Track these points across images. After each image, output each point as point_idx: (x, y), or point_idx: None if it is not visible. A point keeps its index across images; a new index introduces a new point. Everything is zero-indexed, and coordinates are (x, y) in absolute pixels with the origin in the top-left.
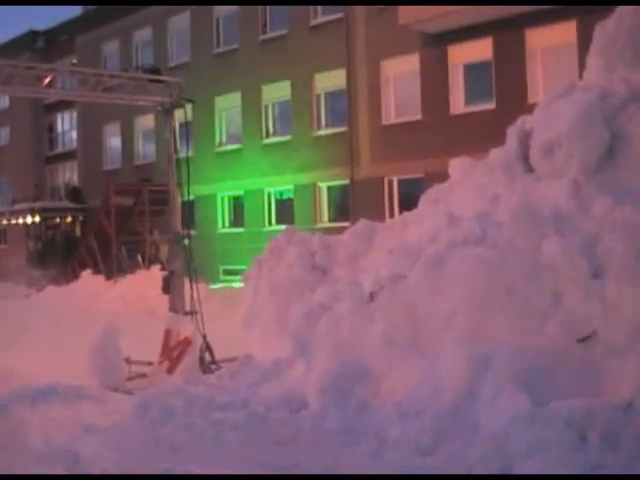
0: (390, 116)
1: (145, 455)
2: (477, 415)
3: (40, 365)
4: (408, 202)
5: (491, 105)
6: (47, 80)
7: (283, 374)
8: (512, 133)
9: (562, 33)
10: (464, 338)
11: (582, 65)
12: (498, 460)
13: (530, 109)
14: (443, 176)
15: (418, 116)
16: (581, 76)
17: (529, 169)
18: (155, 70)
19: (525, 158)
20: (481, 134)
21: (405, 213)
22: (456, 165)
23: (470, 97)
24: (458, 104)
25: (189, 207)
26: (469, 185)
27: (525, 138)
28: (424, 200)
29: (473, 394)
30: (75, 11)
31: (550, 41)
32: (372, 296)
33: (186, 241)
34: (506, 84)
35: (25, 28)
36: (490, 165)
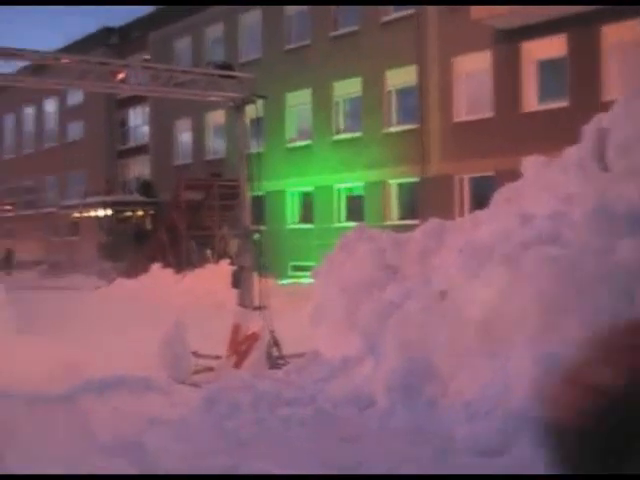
0: (461, 113)
1: (211, 449)
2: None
3: (108, 357)
4: (478, 200)
5: (564, 103)
6: (120, 76)
7: (351, 371)
8: (587, 132)
9: (639, 30)
10: (535, 338)
11: None
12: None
13: (604, 107)
14: (514, 175)
15: (490, 114)
16: None
17: (604, 168)
18: (227, 66)
19: (600, 157)
20: (554, 132)
21: (476, 212)
22: (529, 164)
23: (543, 94)
24: (531, 101)
25: (259, 203)
26: (542, 184)
27: (601, 137)
28: (496, 199)
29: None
30: (148, 9)
31: (626, 38)
32: (442, 295)
33: (256, 236)
34: (580, 81)
35: (99, 25)
36: (564, 164)
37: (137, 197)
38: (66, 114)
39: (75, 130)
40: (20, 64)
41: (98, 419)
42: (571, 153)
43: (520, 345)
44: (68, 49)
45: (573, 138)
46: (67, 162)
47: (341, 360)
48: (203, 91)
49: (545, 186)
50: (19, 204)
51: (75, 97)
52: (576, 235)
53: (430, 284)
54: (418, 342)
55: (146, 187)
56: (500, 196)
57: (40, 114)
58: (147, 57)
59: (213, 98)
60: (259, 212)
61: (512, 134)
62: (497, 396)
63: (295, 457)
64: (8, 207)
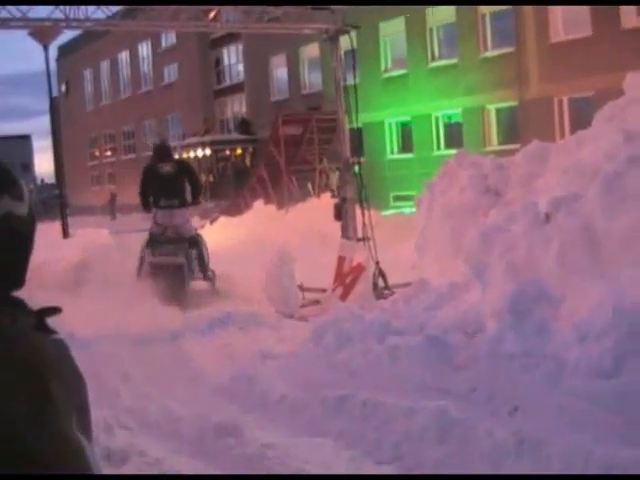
0: (558, 33)
1: (322, 381)
2: None
3: (215, 294)
4: (579, 122)
5: None
6: (212, 14)
7: (459, 298)
8: None
9: None
10: None
11: None
12: None
13: None
14: (615, 94)
15: (588, 32)
16: None
17: None
18: None
19: None
20: None
21: (579, 132)
22: (632, 80)
23: None
24: (630, 17)
25: (358, 134)
26: None
27: None
28: (599, 118)
29: None
30: None
31: None
32: (548, 217)
33: (356, 168)
34: None
35: None
36: None
37: (235, 135)
38: (160, 57)
39: (170, 72)
40: (112, 9)
41: (207, 355)
42: None
43: (630, 265)
44: None
45: None
46: (164, 105)
47: (448, 287)
48: (296, 24)
49: None
50: (120, 149)
51: (168, 39)
52: None
53: (535, 207)
54: (525, 266)
55: (244, 125)
56: (603, 115)
57: (134, 58)
58: None
59: (307, 31)
60: (358, 144)
61: (611, 52)
62: (608, 318)
63: (406, 385)
64: (109, 153)
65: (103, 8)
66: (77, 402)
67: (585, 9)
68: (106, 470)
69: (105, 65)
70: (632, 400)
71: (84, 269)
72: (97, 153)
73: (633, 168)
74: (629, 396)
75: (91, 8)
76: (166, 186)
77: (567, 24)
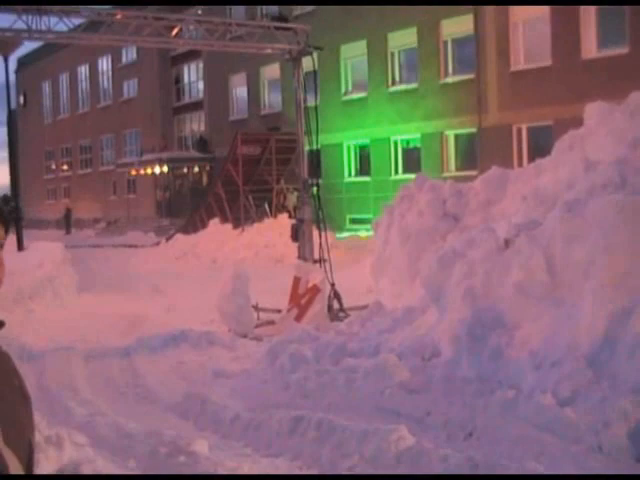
0: (519, 62)
1: (276, 401)
2: (617, 366)
3: (170, 311)
4: (537, 150)
5: (625, 49)
6: (175, 31)
7: (415, 321)
8: None
9: None
10: (603, 287)
11: None
12: (636, 415)
13: None
14: (573, 123)
15: (548, 62)
16: None
17: None
18: (282, 18)
19: None
20: (614, 80)
21: (538, 160)
22: (592, 110)
23: (602, 41)
24: (590, 48)
25: (315, 156)
26: (606, 130)
27: None
28: (558, 146)
29: (612, 345)
30: None
31: None
32: (507, 243)
33: (314, 190)
34: None
35: None
36: (629, 109)
37: (193, 153)
38: (120, 72)
39: (130, 88)
40: (74, 21)
41: (160, 373)
42: (636, 98)
43: (588, 293)
44: (122, 5)
45: (634, 85)
46: (122, 120)
47: (404, 310)
48: (259, 44)
49: (609, 132)
50: (76, 163)
51: (129, 55)
52: None
53: (493, 233)
54: (483, 291)
55: (202, 143)
56: (563, 143)
57: (94, 73)
58: (199, 12)
59: (269, 50)
60: (316, 166)
61: (571, 82)
62: (564, 345)
63: (360, 408)
64: (65, 167)
65: (66, 20)
66: (5, 414)
67: (546, 38)
68: None
69: (64, 78)
70: (587, 427)
71: (39, 282)
72: (53, 167)
73: (592, 197)
74: (584, 423)
75: (54, 20)
76: None
77: (528, 53)
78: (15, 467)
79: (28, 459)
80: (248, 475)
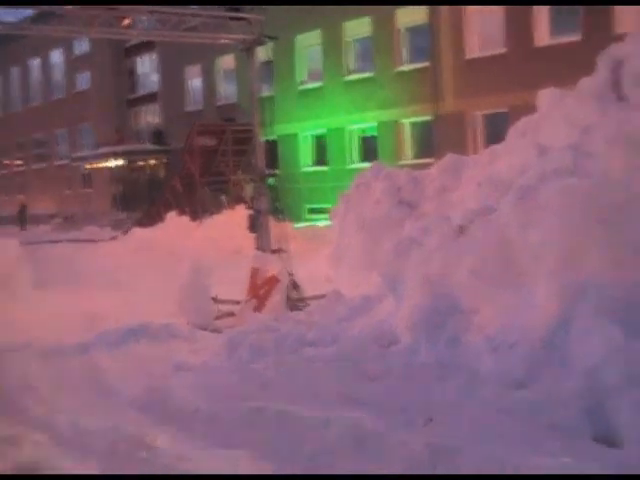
0: (473, 50)
1: (236, 393)
2: (571, 348)
3: (127, 306)
4: (492, 137)
5: (577, 37)
6: (127, 21)
7: (373, 310)
8: (603, 61)
9: None
10: (557, 270)
11: None
12: (591, 395)
13: (617, 40)
14: (528, 110)
15: (502, 49)
16: None
17: (621, 98)
18: (236, 8)
19: (617, 87)
20: (566, 66)
21: (493, 146)
22: (545, 96)
23: (555, 29)
24: (543, 36)
25: (272, 147)
26: (559, 116)
27: (616, 66)
28: (512, 132)
29: (567, 326)
30: None
31: None
32: (462, 229)
33: (271, 180)
34: (592, 15)
35: None
36: (580, 95)
37: (149, 146)
38: (73, 64)
39: (83, 80)
40: (25, 13)
41: (120, 367)
42: (586, 84)
43: (542, 277)
44: None
45: (586, 72)
46: (76, 113)
47: (362, 299)
48: (212, 34)
49: (561, 118)
50: (30, 158)
51: (81, 47)
52: (594, 166)
53: (449, 219)
54: (439, 278)
55: (158, 135)
56: (516, 130)
57: (46, 65)
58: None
59: (223, 41)
60: (273, 156)
61: (525, 69)
62: (520, 329)
63: (321, 396)
64: (19, 162)
65: (15, 12)
66: None
67: (500, 26)
68: None
69: (15, 71)
70: (543, 408)
71: None
72: (6, 162)
73: (546, 182)
74: (540, 404)
75: (2, 11)
76: None
77: (482, 41)
78: None
79: None
80: (246, 475)
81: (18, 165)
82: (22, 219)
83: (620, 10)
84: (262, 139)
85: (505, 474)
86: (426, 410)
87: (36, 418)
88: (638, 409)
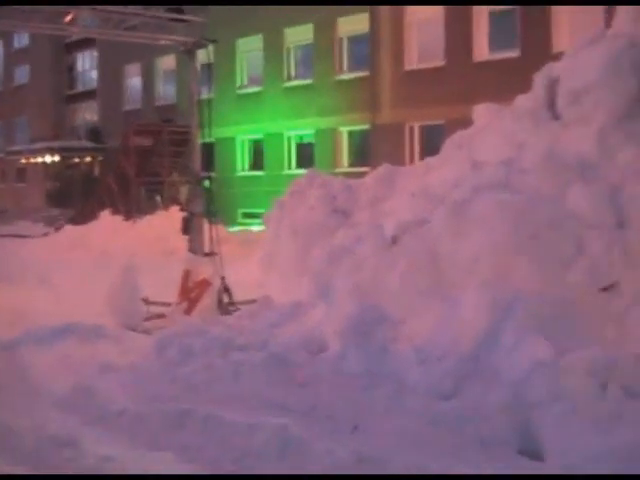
0: (413, 61)
1: (163, 395)
2: (498, 361)
3: (56, 304)
4: (429, 148)
5: (515, 53)
6: (69, 17)
7: (303, 316)
8: (539, 80)
9: None
10: (486, 284)
11: (609, 13)
12: (518, 408)
13: (555, 58)
14: (465, 123)
15: (441, 62)
16: (607, 25)
17: (555, 116)
18: (178, 9)
19: (551, 105)
20: (504, 82)
21: (428, 158)
22: (481, 111)
23: (494, 44)
24: (482, 51)
25: (209, 149)
26: (494, 131)
27: (552, 85)
28: (447, 145)
29: (494, 340)
30: None
31: None
32: (394, 240)
33: (206, 183)
34: (531, 32)
35: None
36: (515, 111)
37: (85, 143)
38: (12, 57)
39: (21, 74)
40: None
41: (46, 366)
42: (522, 101)
43: (471, 290)
44: None
45: (523, 88)
46: (13, 107)
47: (293, 305)
48: (153, 34)
49: (497, 133)
50: None
51: (22, 40)
52: (527, 182)
53: (381, 229)
54: (370, 287)
55: (94, 133)
56: (451, 143)
57: None
58: None
59: (164, 42)
60: (209, 159)
61: (463, 83)
62: (448, 341)
63: (248, 401)
64: None
65: None
66: None
67: (440, 39)
68: None
69: None
70: (469, 420)
71: None
72: None
73: (479, 196)
74: (467, 416)
75: None
76: None
77: (421, 53)
78: None
79: None
80: (245, 475)
81: None
82: None
83: (558, 28)
84: (199, 141)
85: (509, 474)
86: (353, 418)
87: None
88: (560, 423)
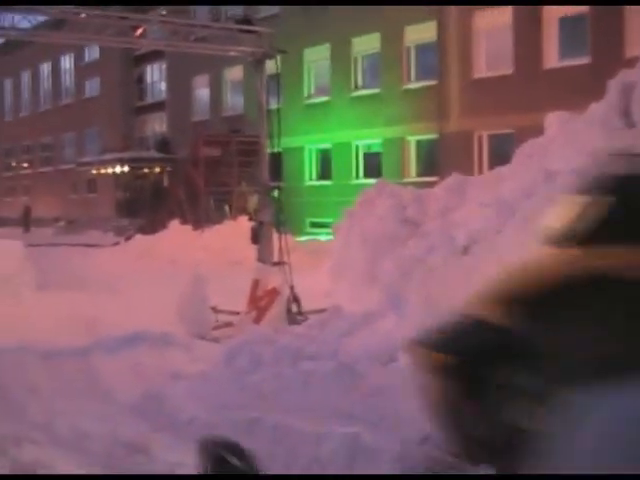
0: (481, 70)
1: (232, 403)
2: None
3: (126, 313)
4: (497, 157)
5: (586, 60)
6: (139, 31)
7: (373, 326)
8: (613, 87)
9: None
10: None
11: None
12: None
13: (628, 64)
14: (534, 132)
15: (510, 70)
16: None
17: (630, 124)
18: (246, 21)
19: (625, 113)
20: (575, 90)
21: (498, 167)
22: (553, 119)
23: (564, 51)
24: (551, 58)
25: (277, 159)
26: (566, 140)
27: (626, 92)
28: (518, 155)
29: None
30: None
31: None
32: (465, 250)
33: (275, 192)
34: (602, 38)
35: None
36: (588, 119)
37: (154, 154)
38: (83, 70)
39: (92, 87)
40: (38, 19)
41: (117, 374)
42: (595, 109)
43: None
44: (86, 4)
45: (594, 96)
46: (84, 119)
47: (363, 315)
48: (222, 46)
49: (569, 142)
50: (36, 161)
51: (92, 53)
52: None
53: (452, 239)
54: (441, 297)
55: (163, 144)
56: (522, 152)
57: (57, 70)
58: (164, 12)
59: (232, 53)
60: (277, 169)
61: (532, 91)
62: None
63: (317, 411)
64: (25, 164)
65: (29, 17)
66: None
67: (508, 47)
68: None
69: (26, 76)
70: None
71: None
72: (13, 164)
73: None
74: None
75: (17, 17)
76: None
77: (490, 61)
78: None
79: None
80: (248, 475)
81: (24, 168)
82: (26, 221)
83: (631, 33)
84: (268, 151)
85: (510, 474)
86: (423, 429)
87: (35, 419)
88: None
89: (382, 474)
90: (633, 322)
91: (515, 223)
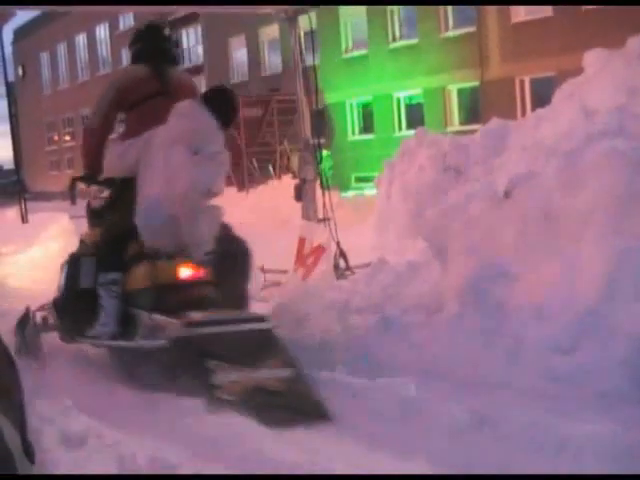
0: (519, 14)
1: None
2: (617, 315)
3: None
4: (540, 102)
5: None
6: None
7: (418, 277)
8: None
9: None
10: (604, 234)
11: None
12: (638, 361)
13: None
14: (576, 73)
15: (549, 12)
16: None
17: None
18: None
19: None
20: (615, 28)
21: (538, 109)
22: (591, 58)
23: None
24: None
25: (321, 116)
26: (605, 78)
27: None
28: (558, 95)
29: (613, 293)
30: None
31: None
32: (506, 195)
33: (318, 149)
34: None
35: None
36: (627, 56)
37: None
38: (118, 39)
39: (129, 55)
40: None
41: None
42: (634, 44)
43: (587, 242)
44: None
45: (635, 32)
46: None
47: (407, 266)
48: (254, 4)
49: (608, 80)
50: (78, 134)
51: (126, 21)
52: None
53: (492, 185)
54: (484, 244)
55: None
56: (562, 93)
57: (92, 41)
58: None
59: (265, 10)
60: (319, 125)
61: (572, 32)
62: (566, 295)
63: (363, 364)
64: (67, 137)
65: None
66: None
67: None
68: (63, 452)
69: (62, 48)
70: (590, 377)
71: (43, 253)
72: (56, 138)
73: (591, 145)
74: (587, 373)
75: None
76: None
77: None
78: (9, 430)
79: (20, 421)
80: (249, 475)
81: (67, 141)
82: (72, 194)
83: None
84: (308, 108)
85: (505, 474)
86: (471, 378)
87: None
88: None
89: (382, 474)
90: None
91: (555, 164)
